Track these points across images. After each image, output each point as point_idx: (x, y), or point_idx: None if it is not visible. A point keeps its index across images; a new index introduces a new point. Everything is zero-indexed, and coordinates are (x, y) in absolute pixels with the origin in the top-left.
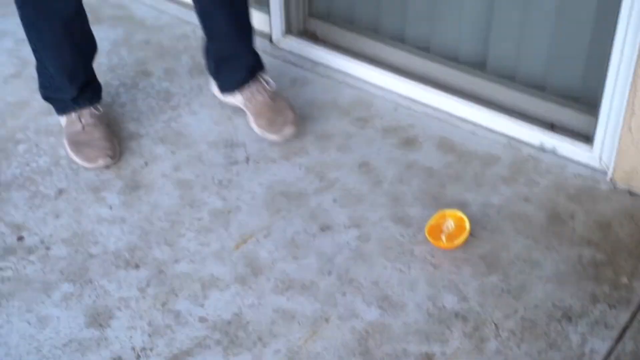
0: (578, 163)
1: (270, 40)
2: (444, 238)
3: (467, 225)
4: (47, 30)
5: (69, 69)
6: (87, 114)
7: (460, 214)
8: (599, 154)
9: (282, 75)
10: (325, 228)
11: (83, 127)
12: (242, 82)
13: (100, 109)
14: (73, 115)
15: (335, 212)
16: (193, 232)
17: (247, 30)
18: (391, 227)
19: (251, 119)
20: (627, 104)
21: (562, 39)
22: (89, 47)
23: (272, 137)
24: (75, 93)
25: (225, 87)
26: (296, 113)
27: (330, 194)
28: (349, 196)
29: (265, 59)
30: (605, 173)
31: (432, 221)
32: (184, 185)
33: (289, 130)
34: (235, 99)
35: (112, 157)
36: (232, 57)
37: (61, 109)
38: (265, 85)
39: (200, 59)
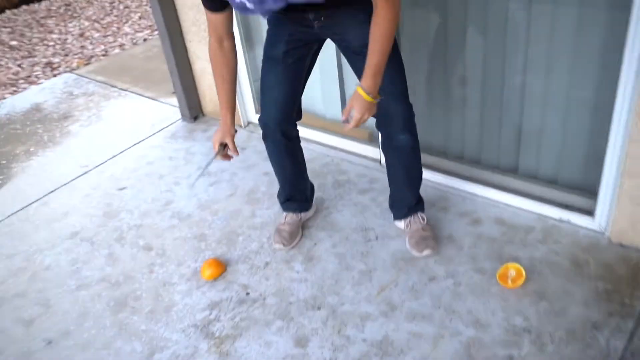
0: (585, 228)
1: None
2: (509, 282)
3: (524, 272)
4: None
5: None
6: (291, 215)
7: (518, 265)
8: (599, 222)
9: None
10: (432, 279)
11: (283, 222)
12: (405, 216)
13: (301, 216)
14: (285, 214)
15: (437, 268)
16: (350, 285)
17: (415, 181)
18: (474, 276)
19: (407, 238)
20: (616, 193)
21: (573, 148)
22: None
23: (416, 254)
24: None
25: (395, 216)
26: (436, 241)
27: (432, 258)
28: (443, 258)
29: None
30: (603, 233)
31: (500, 271)
32: (340, 256)
33: (427, 253)
34: (400, 224)
35: (284, 245)
36: (402, 198)
37: (283, 209)
38: (420, 219)
39: (339, 177)
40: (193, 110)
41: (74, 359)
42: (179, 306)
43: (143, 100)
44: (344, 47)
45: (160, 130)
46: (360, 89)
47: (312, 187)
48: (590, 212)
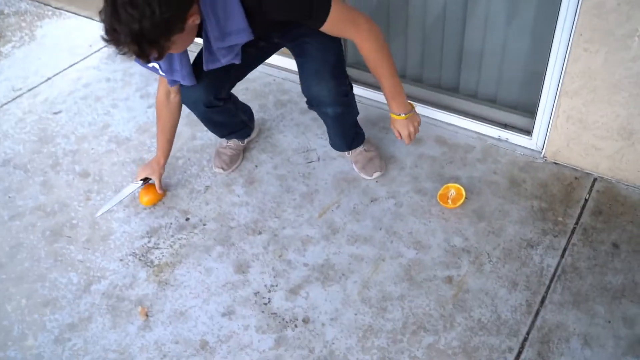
0: (523, 147)
1: None
2: (450, 202)
3: (464, 192)
4: None
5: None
6: (233, 140)
7: (458, 185)
8: (536, 141)
9: None
10: (373, 200)
11: (225, 145)
12: (345, 150)
13: (243, 142)
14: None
15: (379, 189)
16: (291, 208)
17: (349, 133)
18: (415, 197)
19: (352, 163)
20: (554, 111)
21: (512, 68)
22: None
23: (366, 177)
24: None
25: (335, 148)
26: (383, 160)
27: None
28: (386, 179)
29: None
30: (540, 152)
31: (440, 191)
32: (281, 179)
33: (377, 175)
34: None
35: (224, 169)
36: (337, 143)
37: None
38: (361, 147)
39: (281, 96)
40: None
41: (7, 292)
42: (117, 234)
43: (79, 19)
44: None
45: (98, 50)
46: (393, 115)
47: (251, 113)
48: (528, 132)
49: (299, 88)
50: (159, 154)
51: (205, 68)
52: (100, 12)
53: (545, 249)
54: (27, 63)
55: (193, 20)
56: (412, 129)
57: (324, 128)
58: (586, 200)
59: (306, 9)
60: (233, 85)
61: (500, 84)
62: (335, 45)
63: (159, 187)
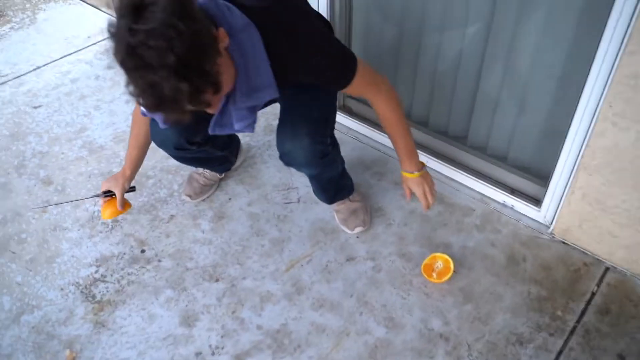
0: (529, 218)
1: None
2: (435, 275)
3: (452, 266)
4: None
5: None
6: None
7: (447, 257)
8: (544, 214)
9: None
10: (350, 259)
11: (201, 172)
12: (327, 203)
13: (221, 175)
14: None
15: (358, 246)
16: (257, 255)
17: (332, 190)
18: (397, 261)
19: (334, 212)
20: (569, 185)
21: (529, 125)
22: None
23: (347, 231)
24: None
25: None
26: (368, 213)
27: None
28: (368, 234)
29: None
30: (547, 227)
31: (426, 261)
32: (254, 218)
33: (358, 230)
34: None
35: (191, 198)
36: (320, 197)
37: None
38: (347, 200)
39: (273, 121)
40: None
41: None
42: (64, 257)
43: (85, 7)
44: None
45: (95, 43)
46: (405, 174)
47: (237, 145)
48: (537, 201)
49: None
50: (126, 165)
51: (210, 131)
52: (127, 85)
53: (537, 350)
54: (20, 48)
55: (223, 45)
56: (426, 188)
57: None
58: (593, 294)
59: (333, 75)
60: (206, 129)
61: (513, 141)
62: (328, 98)
63: (119, 204)
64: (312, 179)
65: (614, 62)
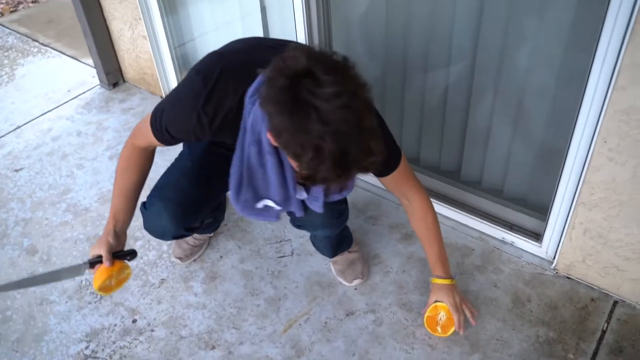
0: (531, 254)
1: None
2: (439, 329)
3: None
4: None
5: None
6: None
7: (448, 306)
8: (546, 249)
9: None
10: (349, 313)
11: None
12: (329, 256)
13: (211, 234)
14: None
15: (357, 299)
16: (253, 316)
17: (336, 245)
18: (398, 313)
19: (330, 263)
20: (569, 220)
21: (523, 156)
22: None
23: (345, 283)
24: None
25: (316, 248)
26: (365, 264)
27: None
28: (366, 285)
29: None
30: (550, 262)
31: (428, 312)
32: (247, 276)
33: (357, 282)
34: None
35: (181, 260)
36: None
37: None
38: (346, 252)
39: None
40: (111, 76)
41: None
42: (52, 334)
43: (63, 59)
44: None
45: (75, 97)
46: (437, 280)
47: (225, 200)
48: (537, 235)
49: None
50: (111, 215)
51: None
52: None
53: None
54: (1, 107)
55: None
56: (458, 299)
57: None
58: (604, 332)
59: (393, 148)
60: (209, 211)
61: (507, 173)
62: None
63: (106, 261)
64: (322, 237)
65: (605, 98)
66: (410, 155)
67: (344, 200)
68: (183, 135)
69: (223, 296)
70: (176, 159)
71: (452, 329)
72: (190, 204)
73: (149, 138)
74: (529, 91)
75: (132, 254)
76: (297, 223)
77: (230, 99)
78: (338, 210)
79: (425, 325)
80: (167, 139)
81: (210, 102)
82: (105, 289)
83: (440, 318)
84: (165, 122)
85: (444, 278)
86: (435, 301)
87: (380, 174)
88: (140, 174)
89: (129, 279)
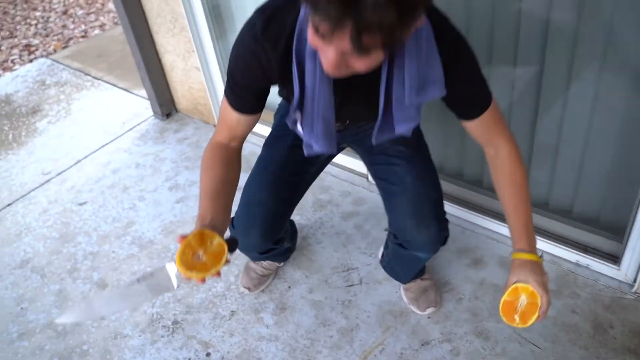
0: (608, 277)
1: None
2: (517, 318)
3: (539, 301)
4: None
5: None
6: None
7: (532, 289)
8: (625, 272)
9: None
10: (424, 343)
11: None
12: (403, 282)
13: (280, 264)
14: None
15: (431, 327)
16: (327, 348)
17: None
18: (475, 341)
19: (402, 290)
20: None
21: (594, 173)
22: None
23: (418, 312)
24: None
25: (387, 272)
26: (438, 292)
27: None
28: (440, 313)
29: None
30: (630, 285)
31: (506, 296)
32: (317, 306)
33: (430, 311)
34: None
35: (250, 290)
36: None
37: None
38: (418, 279)
39: (320, 195)
40: (164, 107)
41: None
42: None
43: (116, 92)
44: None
45: (131, 129)
46: (520, 255)
47: (295, 230)
48: (614, 257)
49: (341, 185)
50: (198, 217)
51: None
52: None
53: None
54: (59, 142)
55: (417, 23)
56: (545, 279)
57: (368, 240)
58: None
59: (482, 91)
60: (290, 216)
61: (577, 192)
62: (434, 174)
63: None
64: (415, 259)
65: None
66: (472, 177)
67: (447, 226)
68: (249, 75)
69: (295, 327)
70: (254, 170)
71: (534, 318)
72: (274, 217)
73: (226, 115)
74: (599, 104)
75: (232, 242)
76: (399, 243)
77: (288, 20)
78: (444, 237)
79: (501, 314)
80: (237, 94)
81: (270, 27)
82: (189, 264)
83: (521, 303)
84: (231, 68)
85: (530, 253)
86: (516, 282)
87: (467, 115)
88: (223, 170)
89: (228, 264)
